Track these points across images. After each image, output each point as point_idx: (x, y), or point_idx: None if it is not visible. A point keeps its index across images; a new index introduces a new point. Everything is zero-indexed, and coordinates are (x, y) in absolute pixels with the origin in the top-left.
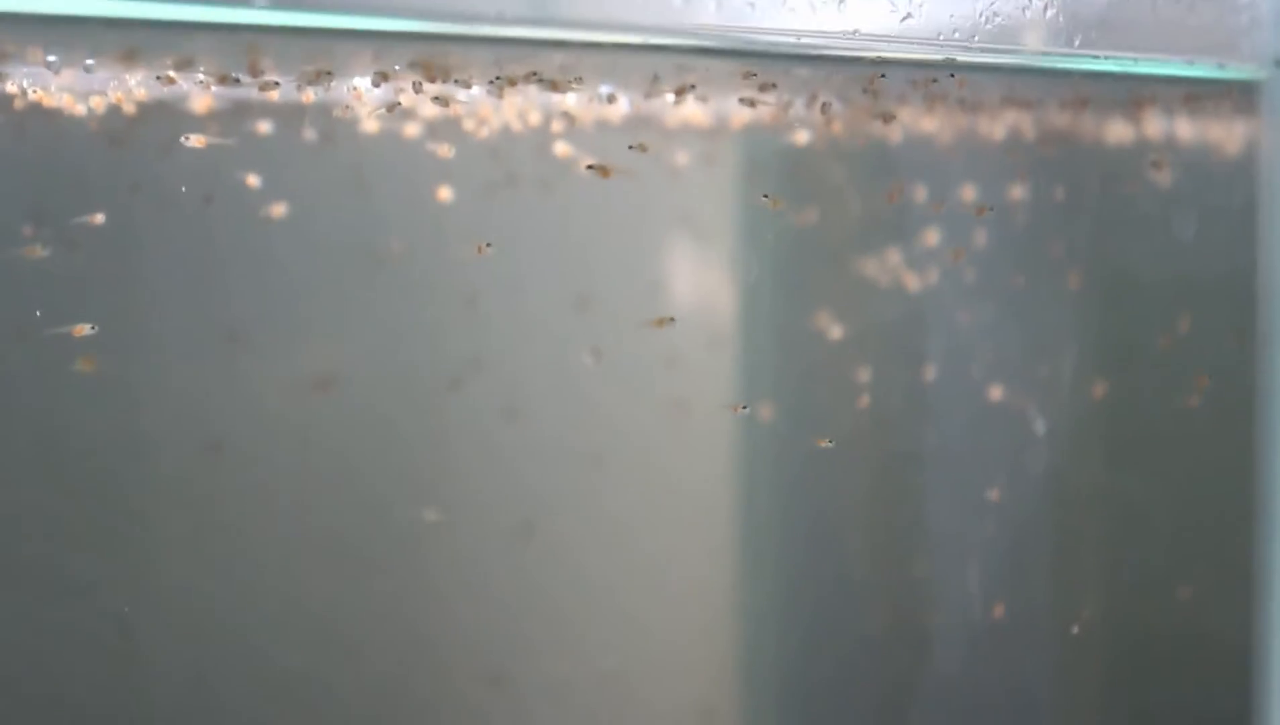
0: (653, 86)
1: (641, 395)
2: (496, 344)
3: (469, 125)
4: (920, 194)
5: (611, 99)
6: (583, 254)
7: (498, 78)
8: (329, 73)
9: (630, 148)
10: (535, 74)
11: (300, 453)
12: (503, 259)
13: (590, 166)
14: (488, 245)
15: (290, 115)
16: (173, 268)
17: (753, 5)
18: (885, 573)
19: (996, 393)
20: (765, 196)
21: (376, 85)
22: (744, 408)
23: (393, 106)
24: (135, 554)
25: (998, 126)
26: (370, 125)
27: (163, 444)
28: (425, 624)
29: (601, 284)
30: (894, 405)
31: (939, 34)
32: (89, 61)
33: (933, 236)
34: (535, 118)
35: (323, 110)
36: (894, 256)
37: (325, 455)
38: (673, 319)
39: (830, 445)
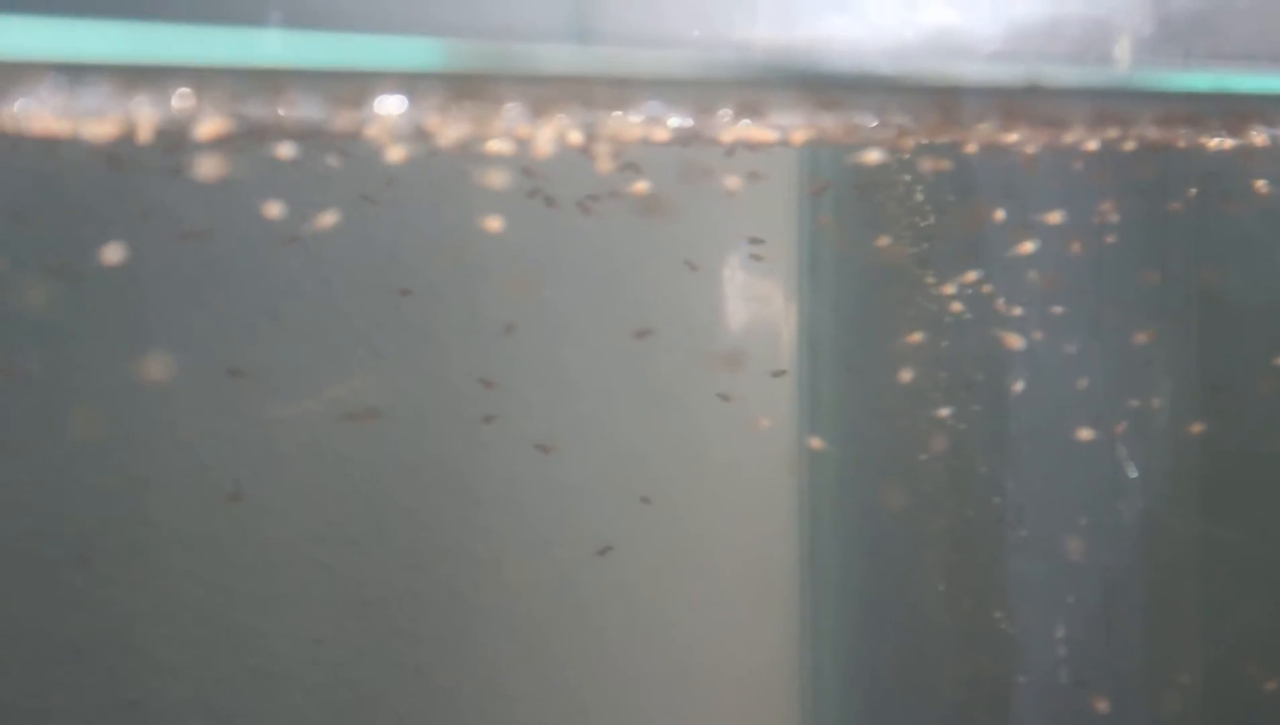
0: (706, 106)
1: (696, 432)
2: (535, 378)
3: (505, 147)
4: (1001, 217)
5: (661, 119)
6: (630, 283)
7: (535, 99)
8: (354, 95)
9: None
10: (576, 96)
11: (327, 497)
12: (545, 288)
13: (632, 195)
14: (527, 282)
15: (312, 138)
16: (182, 304)
17: (812, 25)
18: (961, 631)
19: (1085, 433)
20: (824, 220)
21: (404, 106)
22: (819, 443)
23: (420, 129)
24: (149, 619)
25: (1086, 145)
26: (398, 149)
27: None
28: (466, 681)
29: (653, 315)
30: (972, 446)
31: (1018, 52)
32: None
33: (1016, 262)
34: (576, 138)
35: (347, 133)
36: (974, 284)
37: (353, 499)
38: (738, 357)
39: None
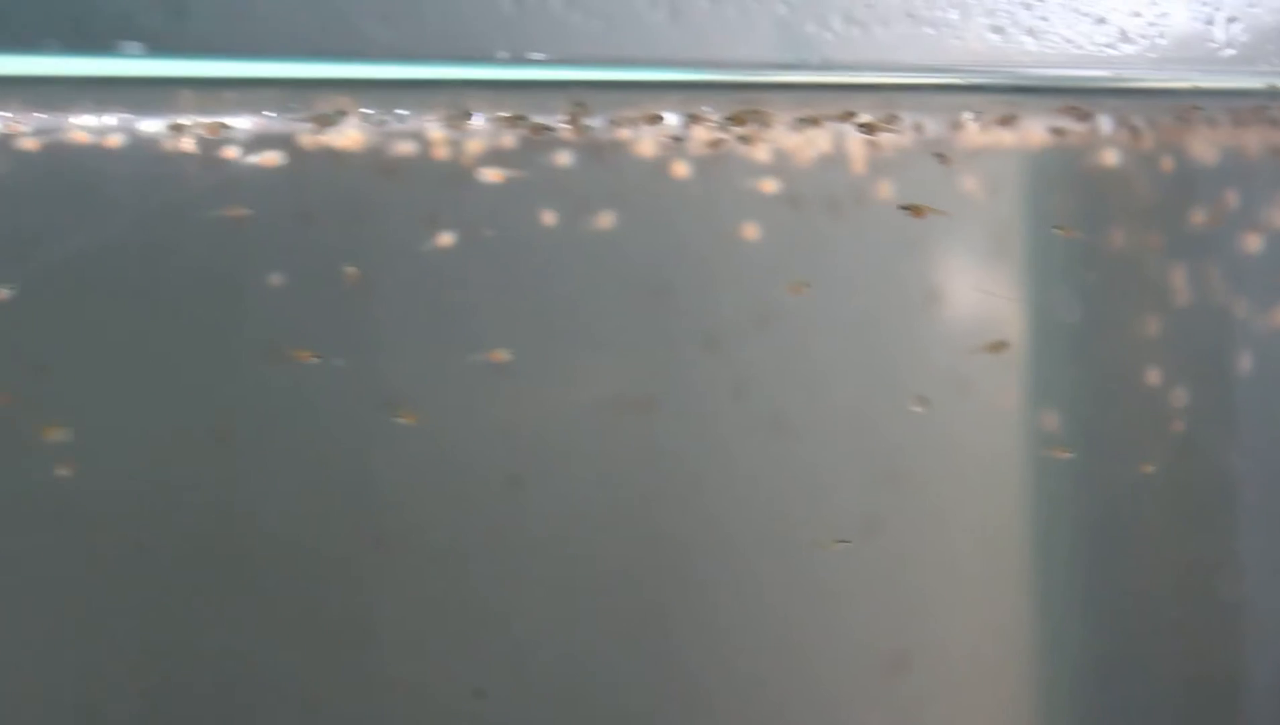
0: (958, 119)
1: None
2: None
3: (762, 158)
4: (1236, 215)
5: (918, 128)
6: (882, 288)
7: (802, 119)
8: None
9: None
10: (850, 113)
11: None
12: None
13: (903, 207)
14: (805, 285)
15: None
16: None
17: (1070, 40)
18: None
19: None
20: (1057, 228)
21: (688, 126)
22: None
23: (678, 139)
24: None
25: None
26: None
27: None
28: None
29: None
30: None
31: (1256, 59)
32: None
33: (1251, 261)
34: (826, 146)
35: (611, 145)
36: (1210, 282)
37: None
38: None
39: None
